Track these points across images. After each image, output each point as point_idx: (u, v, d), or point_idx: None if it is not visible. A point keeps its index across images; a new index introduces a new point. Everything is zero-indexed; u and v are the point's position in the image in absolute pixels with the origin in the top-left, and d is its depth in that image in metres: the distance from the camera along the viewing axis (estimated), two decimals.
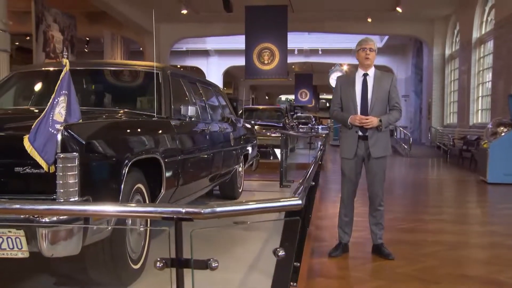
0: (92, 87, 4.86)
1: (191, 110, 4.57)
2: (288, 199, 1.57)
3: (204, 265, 1.53)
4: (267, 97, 50.16)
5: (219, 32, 21.75)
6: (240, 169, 7.14)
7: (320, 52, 27.77)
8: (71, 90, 2.76)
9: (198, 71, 30.61)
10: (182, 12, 17.54)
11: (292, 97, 41.48)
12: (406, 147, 17.80)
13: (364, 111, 4.56)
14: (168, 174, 3.88)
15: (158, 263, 1.46)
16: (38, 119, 2.67)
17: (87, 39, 22.70)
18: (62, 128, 2.61)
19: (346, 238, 4.78)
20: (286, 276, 1.71)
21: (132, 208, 1.60)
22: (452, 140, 16.64)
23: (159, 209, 1.48)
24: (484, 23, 16.36)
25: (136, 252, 3.53)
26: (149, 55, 20.96)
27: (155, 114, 4.12)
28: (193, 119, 4.92)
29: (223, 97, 7.05)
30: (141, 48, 21.90)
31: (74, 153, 2.64)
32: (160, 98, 4.43)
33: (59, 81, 2.71)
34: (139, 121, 3.98)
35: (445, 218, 6.75)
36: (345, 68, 29.51)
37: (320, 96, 47.67)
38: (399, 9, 17.20)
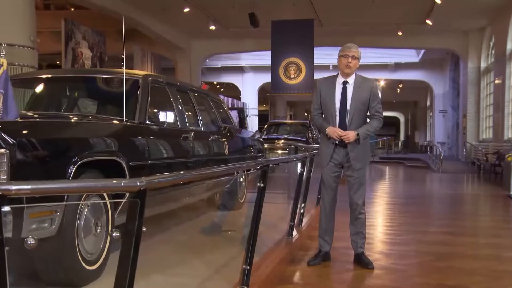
0: (75, 94, 4.99)
1: (169, 116, 4.61)
2: (124, 180, 1.57)
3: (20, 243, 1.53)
4: (306, 114, 49.95)
5: (250, 47, 21.91)
6: (241, 179, 7.11)
7: None
8: (9, 89, 2.84)
9: (233, 88, 30.89)
10: (210, 28, 17.77)
11: None
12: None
13: (342, 122, 4.46)
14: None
15: None
16: None
17: (123, 56, 23.24)
18: None
19: (326, 247, 4.68)
20: (127, 261, 1.68)
21: None
22: (485, 155, 16.13)
23: None
24: None
25: (93, 253, 3.55)
26: (181, 72, 21.32)
27: (124, 119, 4.18)
28: (178, 125, 5.00)
29: (222, 107, 7.08)
30: (174, 66, 22.26)
31: (3, 149, 2.70)
32: (136, 104, 4.50)
33: None
34: (98, 123, 4.04)
35: (451, 230, 6.53)
36: (382, 83, 29.22)
37: None
38: (429, 22, 16.90)
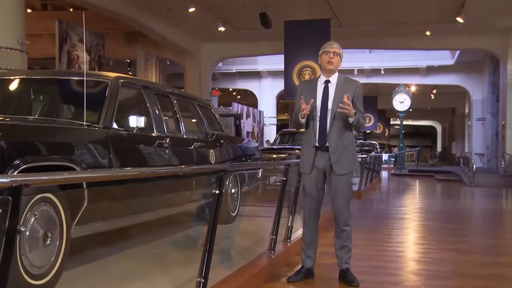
0: (39, 96, 5.15)
1: (140, 121, 4.71)
2: None
3: None
4: None
5: (263, 51, 22.02)
6: (233, 191, 7.16)
7: (382, 72, 27.36)
8: None
9: (250, 95, 31.01)
10: (220, 29, 17.95)
11: None
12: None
13: (323, 123, 4.51)
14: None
15: None
16: None
17: (128, 61, 23.58)
18: None
19: (308, 262, 4.69)
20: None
21: None
22: None
23: None
24: None
25: (40, 266, 3.62)
26: (190, 77, 21.53)
27: (84, 123, 4.29)
28: (153, 131, 5.12)
29: (212, 113, 7.16)
30: (182, 71, 22.49)
31: None
32: (102, 107, 4.60)
33: None
34: (54, 127, 4.16)
35: (458, 247, 6.46)
36: (412, 89, 28.98)
37: (392, 122, 46.83)
38: (459, 19, 16.72)
